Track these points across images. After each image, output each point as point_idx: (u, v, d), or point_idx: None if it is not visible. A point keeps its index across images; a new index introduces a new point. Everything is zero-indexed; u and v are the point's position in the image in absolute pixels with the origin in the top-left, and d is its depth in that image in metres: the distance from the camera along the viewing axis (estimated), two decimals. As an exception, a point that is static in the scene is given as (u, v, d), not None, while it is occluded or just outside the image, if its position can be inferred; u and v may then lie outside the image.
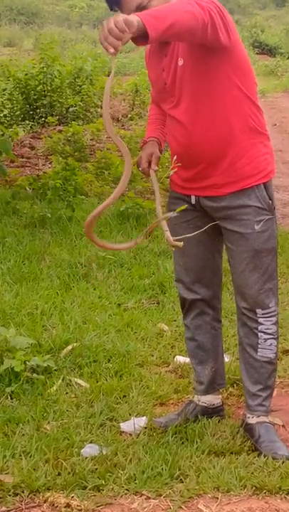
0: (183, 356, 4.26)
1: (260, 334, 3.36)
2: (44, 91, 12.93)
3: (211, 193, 3.28)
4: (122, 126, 13.35)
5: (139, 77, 15.81)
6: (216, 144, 3.17)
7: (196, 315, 3.56)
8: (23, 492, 2.97)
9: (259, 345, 3.38)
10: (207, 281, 3.51)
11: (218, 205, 3.28)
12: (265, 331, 3.35)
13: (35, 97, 13.00)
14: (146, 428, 3.50)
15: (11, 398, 3.73)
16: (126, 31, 2.63)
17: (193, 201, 3.34)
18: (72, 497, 2.93)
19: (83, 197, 8.08)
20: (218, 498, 3.00)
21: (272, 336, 3.38)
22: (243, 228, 3.26)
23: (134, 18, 2.66)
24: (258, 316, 3.35)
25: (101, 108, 14.07)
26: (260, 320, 3.36)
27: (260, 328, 3.36)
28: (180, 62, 3.11)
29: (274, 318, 3.38)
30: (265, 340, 3.37)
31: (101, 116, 12.80)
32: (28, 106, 13.04)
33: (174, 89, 3.17)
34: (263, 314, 3.35)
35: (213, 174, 3.23)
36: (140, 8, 3.03)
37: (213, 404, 3.61)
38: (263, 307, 3.34)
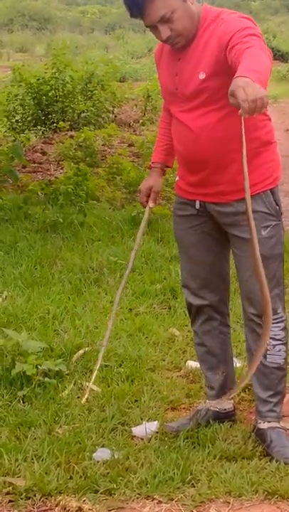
0: (194, 361, 4.25)
1: (269, 340, 3.35)
2: (56, 96, 12.97)
3: (217, 199, 3.27)
4: (134, 131, 13.39)
5: (150, 82, 15.83)
6: (222, 152, 3.16)
7: (203, 321, 3.55)
8: (35, 495, 2.98)
9: (268, 352, 3.37)
10: (214, 286, 3.50)
11: (224, 211, 3.28)
12: (273, 337, 3.34)
13: (47, 103, 13.03)
14: (157, 433, 3.51)
15: (23, 402, 3.74)
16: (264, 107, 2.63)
17: (197, 206, 3.33)
18: (84, 501, 2.93)
19: (95, 202, 8.12)
20: (229, 503, 3.00)
21: (280, 342, 3.37)
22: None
23: (252, 83, 2.61)
24: None
25: (112, 114, 14.12)
26: None
27: None
28: (201, 76, 3.07)
29: (282, 324, 3.37)
30: (274, 346, 3.36)
31: (112, 121, 12.86)
32: (40, 111, 13.09)
33: (188, 97, 3.16)
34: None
35: (219, 182, 3.21)
36: (164, 20, 3.04)
37: (225, 409, 3.60)
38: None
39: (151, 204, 3.46)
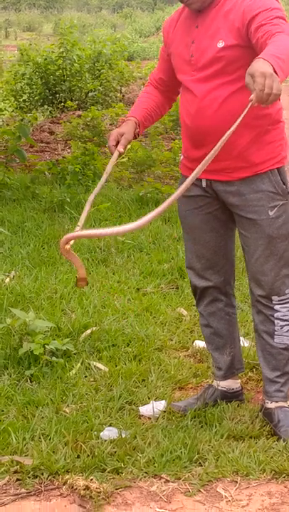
0: (202, 341, 4.24)
1: (276, 321, 3.34)
2: (63, 76, 12.91)
3: (222, 177, 3.23)
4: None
5: (158, 61, 15.72)
6: (228, 125, 3.11)
7: (208, 302, 3.54)
8: (42, 474, 2.98)
9: (276, 332, 3.36)
10: (219, 268, 3.47)
11: (230, 190, 3.24)
12: (281, 317, 3.33)
13: (55, 82, 12.98)
14: (165, 412, 3.51)
15: (31, 381, 3.75)
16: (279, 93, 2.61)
17: (204, 184, 3.28)
18: (92, 479, 2.94)
19: (102, 182, 8.08)
20: (237, 482, 3.00)
21: (288, 323, 3.36)
22: (257, 215, 3.22)
23: (274, 76, 2.60)
24: (274, 303, 3.33)
25: (120, 93, 14.06)
26: (277, 307, 3.33)
27: (276, 315, 3.34)
28: (220, 44, 3.04)
29: None
30: (282, 327, 3.35)
31: (120, 101, 12.80)
32: (47, 91, 13.04)
33: (203, 65, 3.11)
34: (279, 301, 3.33)
35: (224, 158, 3.13)
36: None
37: (232, 389, 3.60)
38: (279, 294, 3.31)
39: (120, 148, 3.27)
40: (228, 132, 2.68)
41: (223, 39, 3.05)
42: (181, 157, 3.39)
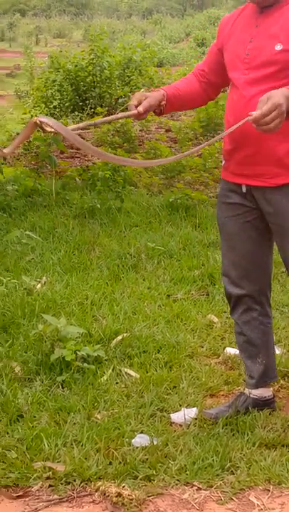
0: (233, 348, 4.24)
1: None
2: (93, 82, 12.97)
3: (261, 182, 3.19)
4: (171, 116, 13.31)
5: (188, 67, 15.76)
6: None
7: (243, 311, 3.51)
8: (74, 481, 2.99)
9: None
10: (254, 277, 3.44)
11: (268, 197, 3.20)
12: None
13: (85, 89, 13.04)
14: (196, 419, 3.50)
15: (62, 387, 3.76)
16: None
17: (243, 190, 3.25)
18: (124, 486, 2.94)
19: (132, 188, 8.12)
20: (269, 491, 2.99)
21: None
22: None
23: (283, 115, 2.65)
24: None
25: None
26: None
27: None
28: (278, 47, 3.02)
29: None
30: None
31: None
32: (77, 97, 13.10)
33: (256, 65, 3.08)
34: None
35: (265, 161, 3.12)
36: None
37: (264, 397, 3.58)
38: None
39: (140, 108, 3.11)
40: (220, 135, 2.73)
41: (282, 42, 3.02)
42: (223, 162, 3.36)
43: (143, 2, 57.12)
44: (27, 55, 18.49)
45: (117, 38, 26.75)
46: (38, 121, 2.73)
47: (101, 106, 12.84)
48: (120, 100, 13.17)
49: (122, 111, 3.23)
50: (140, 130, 11.61)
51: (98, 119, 3.13)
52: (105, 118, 3.19)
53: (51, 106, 12.96)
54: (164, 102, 3.25)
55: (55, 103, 12.98)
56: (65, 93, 13.03)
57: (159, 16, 49.02)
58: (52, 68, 13.70)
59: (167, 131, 11.72)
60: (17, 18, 48.54)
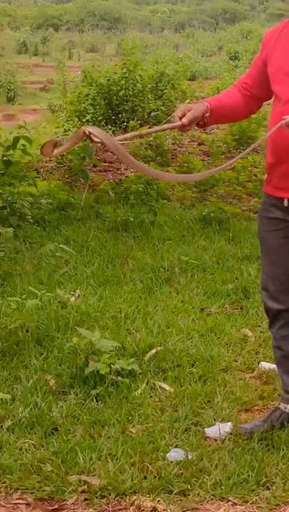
0: (267, 362, 4.22)
1: None
2: (126, 96, 13.02)
3: None
4: (204, 130, 13.33)
5: (221, 80, 15.77)
6: None
7: (281, 325, 3.48)
8: (109, 495, 3.00)
9: None
10: None
11: None
12: None
13: (118, 102, 13.10)
14: (231, 434, 3.49)
15: (97, 401, 3.77)
16: None
17: (285, 204, 3.24)
18: (159, 501, 2.94)
19: (165, 201, 8.12)
20: (305, 507, 2.96)
21: None
22: None
23: None
24: None
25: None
26: None
27: None
28: None
29: None
30: None
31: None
32: (110, 111, 13.16)
33: None
34: None
35: None
36: None
37: (300, 412, 3.55)
38: None
39: (185, 120, 3.08)
40: (252, 147, 2.72)
41: None
42: (266, 176, 3.35)
43: (175, 16, 57.38)
44: (60, 70, 18.61)
45: (149, 51, 26.84)
46: (86, 132, 2.76)
47: (133, 119, 12.88)
48: (153, 114, 13.20)
49: (166, 122, 3.24)
50: (173, 143, 11.64)
51: (143, 130, 3.14)
52: (150, 129, 3.20)
53: (84, 120, 13.03)
54: (207, 114, 3.21)
55: (88, 117, 13.05)
56: (98, 107, 13.10)
57: (191, 29, 49.15)
58: (85, 82, 13.79)
59: (200, 144, 11.74)
60: (50, 33, 48.93)
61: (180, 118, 3.10)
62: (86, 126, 2.78)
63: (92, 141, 2.78)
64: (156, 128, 3.18)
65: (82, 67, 15.12)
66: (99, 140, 2.77)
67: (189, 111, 3.13)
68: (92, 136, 2.76)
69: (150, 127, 11.74)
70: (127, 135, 3.00)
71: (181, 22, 56.65)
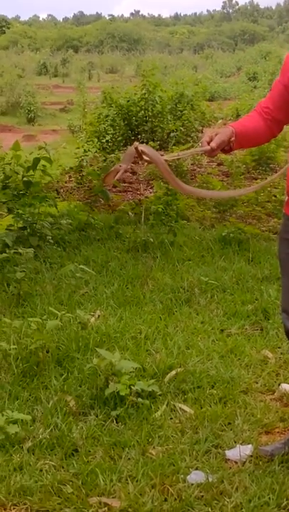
0: (288, 384, 4.20)
1: None
2: (146, 117, 13.10)
3: None
4: (230, 154, 13.38)
5: (240, 101, 15.81)
6: None
7: None
8: (130, 517, 2.99)
9: None
10: None
11: None
12: None
13: (137, 123, 13.18)
14: (252, 456, 3.46)
15: (117, 422, 3.76)
16: None
17: None
18: (179, 523, 2.92)
19: (185, 221, 8.14)
20: None
21: None
22: None
23: None
24: None
25: (202, 134, 14.17)
26: None
27: None
28: None
29: None
30: None
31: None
32: (129, 131, 13.25)
33: None
34: None
35: None
36: None
37: None
38: None
39: (213, 144, 3.08)
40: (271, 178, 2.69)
41: None
42: (286, 198, 3.35)
43: (194, 37, 57.67)
44: (80, 91, 18.78)
45: (168, 72, 26.99)
46: (139, 149, 2.78)
47: (153, 140, 12.95)
48: (172, 134, 13.26)
49: (191, 146, 3.26)
50: (192, 164, 11.69)
51: (180, 152, 3.16)
52: (185, 151, 3.21)
53: (104, 140, 13.12)
54: (233, 139, 3.19)
55: (108, 137, 13.14)
56: (117, 127, 13.19)
57: (210, 50, 49.41)
58: (105, 103, 13.90)
59: (219, 164, 11.78)
60: (70, 54, 49.40)
61: (208, 143, 3.10)
62: (137, 143, 2.80)
63: (141, 159, 2.80)
64: (190, 151, 3.19)
65: (101, 88, 15.24)
66: (148, 159, 2.79)
67: (216, 135, 3.14)
68: (143, 155, 2.78)
69: (170, 148, 11.79)
70: (172, 155, 3.04)
71: (200, 43, 56.93)
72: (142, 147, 2.79)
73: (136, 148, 2.78)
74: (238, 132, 3.23)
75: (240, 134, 3.24)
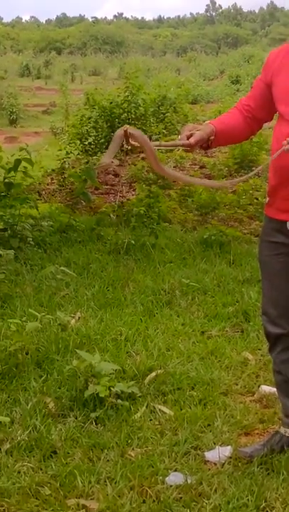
0: (268, 386, 4.21)
1: None
2: (128, 119, 13.09)
3: None
4: (205, 153, 13.38)
5: (222, 104, 15.85)
6: None
7: (281, 350, 3.46)
8: (108, 518, 2.98)
9: None
10: None
11: None
12: None
13: (120, 125, 13.12)
14: (231, 458, 3.46)
15: (96, 424, 3.75)
16: None
17: (288, 227, 3.21)
18: (157, 525, 2.92)
19: (167, 224, 8.14)
20: (305, 532, 2.94)
21: None
22: None
23: None
24: None
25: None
26: None
27: None
28: None
29: None
30: None
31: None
32: (112, 134, 13.18)
33: None
34: None
35: None
36: None
37: (300, 436, 3.53)
38: None
39: (192, 140, 3.08)
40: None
41: None
42: (267, 199, 3.34)
43: (177, 40, 57.80)
44: (62, 93, 18.76)
45: (151, 75, 27.02)
46: (128, 132, 2.77)
47: (136, 142, 12.92)
48: (154, 137, 13.25)
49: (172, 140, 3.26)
50: (174, 167, 11.68)
51: (159, 143, 3.17)
52: (165, 143, 3.21)
53: (86, 142, 13.10)
54: (212, 137, 3.21)
55: (90, 139, 13.11)
56: (100, 130, 13.17)
57: (193, 53, 49.53)
58: (87, 105, 13.88)
59: (201, 167, 11.79)
60: (53, 56, 49.35)
61: (187, 137, 3.11)
62: (128, 126, 2.79)
63: (127, 142, 2.79)
64: (170, 143, 3.20)
65: (84, 90, 15.22)
66: (135, 143, 2.78)
67: (197, 131, 3.15)
68: (131, 138, 2.78)
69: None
70: (154, 143, 3.03)
71: (183, 46, 57.07)
72: (131, 131, 2.78)
73: (125, 131, 2.77)
74: (218, 130, 3.24)
75: (219, 132, 3.25)
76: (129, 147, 2.82)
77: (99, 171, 2.90)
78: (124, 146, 2.82)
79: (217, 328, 5.19)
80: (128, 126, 2.81)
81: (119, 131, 2.80)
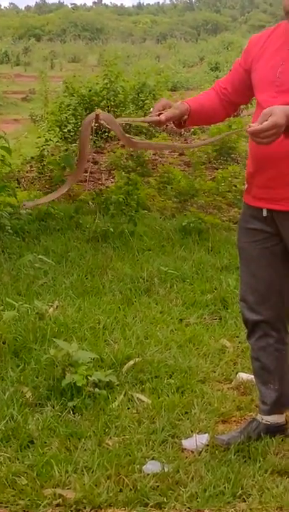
0: (245, 373, 4.22)
1: None
2: (108, 106, 13.02)
3: (283, 206, 3.13)
4: (185, 140, 13.37)
5: (202, 91, 15.80)
6: None
7: (259, 337, 3.47)
8: (84, 508, 2.97)
9: None
10: (272, 303, 3.39)
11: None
12: None
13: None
14: (208, 445, 3.47)
15: (73, 413, 3.74)
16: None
17: (264, 214, 3.21)
18: (134, 514, 2.92)
19: (145, 211, 8.13)
20: (281, 519, 2.95)
21: None
22: None
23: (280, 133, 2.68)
24: None
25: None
26: None
27: None
28: None
29: None
30: None
31: (163, 131, 12.86)
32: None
33: (287, 89, 3.02)
34: None
35: (283, 186, 3.09)
36: None
37: (277, 423, 3.54)
38: None
39: (163, 117, 3.05)
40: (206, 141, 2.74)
41: None
42: (246, 185, 3.34)
43: (157, 27, 57.63)
44: (42, 80, 18.60)
45: (131, 62, 26.92)
46: (100, 116, 2.78)
47: (115, 130, 12.87)
48: (134, 124, 13.22)
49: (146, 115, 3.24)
50: (154, 154, 11.65)
51: (127, 118, 3.19)
52: (135, 119, 3.22)
53: (65, 130, 13.02)
54: (185, 117, 3.21)
55: (70, 127, 13.03)
56: (79, 117, 13.08)
57: (173, 40, 49.38)
58: (66, 93, 13.79)
59: (180, 155, 11.75)
60: (32, 43, 49.01)
61: (159, 112, 3.09)
62: (100, 111, 2.80)
63: (96, 122, 2.79)
64: (140, 119, 3.19)
65: (63, 78, 15.12)
66: (103, 122, 2.78)
67: (170, 107, 3.13)
68: (100, 119, 2.78)
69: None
70: (124, 119, 3.05)
71: (162, 33, 56.89)
72: (102, 112, 2.80)
73: (97, 115, 2.77)
74: (192, 110, 3.23)
75: (194, 112, 3.24)
76: (97, 125, 2.81)
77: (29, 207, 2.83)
78: (94, 124, 2.82)
79: (195, 315, 5.19)
80: (100, 110, 2.80)
81: (90, 116, 2.80)
